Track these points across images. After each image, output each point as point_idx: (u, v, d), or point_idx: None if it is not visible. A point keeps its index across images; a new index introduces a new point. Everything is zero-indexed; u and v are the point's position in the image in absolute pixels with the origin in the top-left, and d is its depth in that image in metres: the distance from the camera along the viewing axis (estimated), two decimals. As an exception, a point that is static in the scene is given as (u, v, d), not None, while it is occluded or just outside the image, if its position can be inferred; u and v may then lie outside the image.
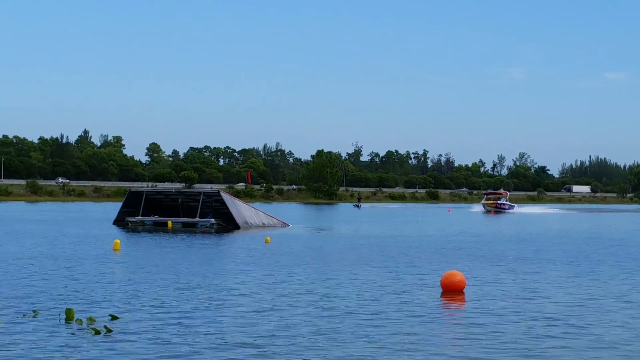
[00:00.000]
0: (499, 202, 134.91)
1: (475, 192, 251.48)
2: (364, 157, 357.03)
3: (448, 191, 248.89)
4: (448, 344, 17.06)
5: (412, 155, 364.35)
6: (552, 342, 17.33)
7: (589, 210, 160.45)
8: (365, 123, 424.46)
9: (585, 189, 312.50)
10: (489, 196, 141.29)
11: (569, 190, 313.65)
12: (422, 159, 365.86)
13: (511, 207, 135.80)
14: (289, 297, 23.36)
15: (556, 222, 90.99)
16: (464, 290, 25.17)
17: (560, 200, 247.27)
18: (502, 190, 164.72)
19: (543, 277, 30.01)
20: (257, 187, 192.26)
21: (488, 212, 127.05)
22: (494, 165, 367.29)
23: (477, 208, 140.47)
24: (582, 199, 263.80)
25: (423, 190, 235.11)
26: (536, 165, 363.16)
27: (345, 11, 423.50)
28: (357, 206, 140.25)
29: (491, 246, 46.24)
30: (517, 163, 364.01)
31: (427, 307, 21.93)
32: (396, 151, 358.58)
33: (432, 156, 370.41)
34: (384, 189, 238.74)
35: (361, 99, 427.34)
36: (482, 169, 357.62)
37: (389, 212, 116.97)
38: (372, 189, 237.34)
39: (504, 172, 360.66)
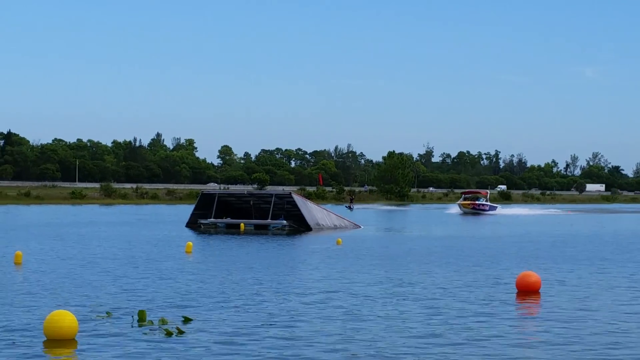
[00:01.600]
0: (477, 202, 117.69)
1: (547, 192, 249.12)
2: (436, 158, 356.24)
3: (520, 192, 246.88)
4: (524, 345, 16.85)
5: (483, 156, 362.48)
6: (627, 350, 17.04)
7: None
8: (437, 124, 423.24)
9: (598, 187, 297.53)
10: (466, 196, 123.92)
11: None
12: (494, 159, 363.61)
13: (492, 208, 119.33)
14: (363, 298, 23.25)
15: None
16: (540, 291, 24.91)
17: (634, 200, 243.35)
18: (481, 190, 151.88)
19: (618, 278, 29.58)
20: (329, 188, 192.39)
21: (465, 214, 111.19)
22: (567, 165, 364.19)
23: (454, 209, 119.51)
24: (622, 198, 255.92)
25: (495, 191, 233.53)
26: (610, 165, 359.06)
27: (415, 12, 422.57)
28: (350, 207, 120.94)
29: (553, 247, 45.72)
30: (591, 163, 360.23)
31: (501, 308, 21.69)
32: (468, 152, 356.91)
33: (504, 156, 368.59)
34: (456, 190, 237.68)
35: (432, 99, 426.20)
36: (554, 169, 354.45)
37: (380, 213, 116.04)
38: (444, 190, 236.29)
39: (577, 172, 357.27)
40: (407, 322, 19.20)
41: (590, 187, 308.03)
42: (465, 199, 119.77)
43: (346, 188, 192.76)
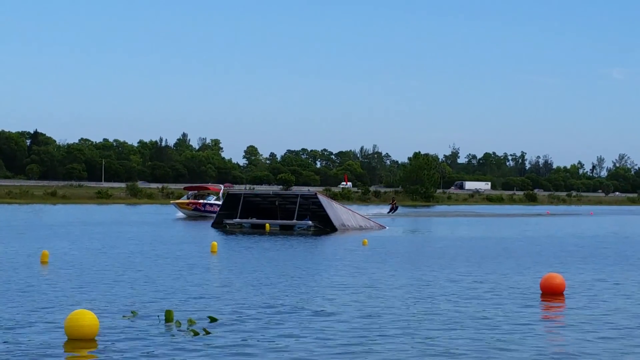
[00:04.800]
0: (201, 202, 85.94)
1: (574, 193, 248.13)
2: (461, 159, 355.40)
3: (546, 193, 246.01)
4: (550, 347, 16.80)
5: (509, 157, 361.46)
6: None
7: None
8: (463, 125, 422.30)
9: (482, 184, 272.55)
10: (191, 193, 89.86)
11: (461, 187, 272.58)
12: (520, 160, 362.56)
13: None
14: (388, 298, 23.24)
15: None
16: (564, 293, 24.83)
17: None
18: (212, 184, 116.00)
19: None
20: (354, 189, 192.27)
21: (189, 216, 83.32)
22: (593, 166, 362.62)
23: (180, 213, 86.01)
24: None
25: (521, 192, 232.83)
26: (636, 167, 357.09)
27: (442, 12, 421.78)
28: (392, 211, 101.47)
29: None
30: (617, 165, 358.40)
31: (526, 310, 21.64)
32: (494, 153, 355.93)
33: (530, 158, 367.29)
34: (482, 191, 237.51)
35: (458, 100, 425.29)
36: (580, 171, 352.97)
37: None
38: (470, 191, 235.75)
39: (604, 173, 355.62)
40: (429, 325, 19.20)
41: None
42: (189, 197, 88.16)
43: (371, 189, 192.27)
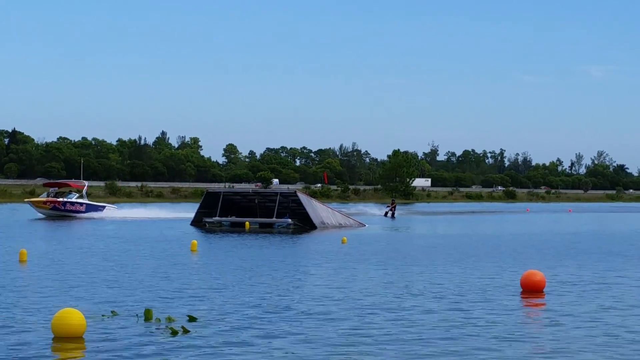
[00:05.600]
0: (61, 200, 76.87)
1: (553, 191, 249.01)
2: (441, 157, 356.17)
3: (526, 190, 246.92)
4: (529, 343, 16.80)
5: (488, 155, 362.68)
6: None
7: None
8: (442, 122, 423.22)
9: (422, 181, 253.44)
10: (52, 190, 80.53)
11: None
12: (499, 157, 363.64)
13: (94, 208, 79.27)
14: (367, 296, 23.22)
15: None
16: (544, 290, 24.86)
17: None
18: (73, 181, 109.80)
19: (623, 275, 29.54)
20: (334, 187, 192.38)
21: (48, 216, 74.70)
22: (572, 164, 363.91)
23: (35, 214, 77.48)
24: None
25: (500, 189, 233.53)
26: (615, 164, 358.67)
27: (421, 10, 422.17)
28: (389, 214, 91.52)
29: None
30: (596, 162, 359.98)
31: (507, 307, 21.65)
32: (473, 150, 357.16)
33: (509, 155, 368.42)
34: (461, 189, 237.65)
35: (437, 98, 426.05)
36: (559, 168, 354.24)
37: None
38: (449, 189, 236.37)
39: (582, 170, 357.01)
40: (410, 323, 19.18)
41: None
42: (49, 195, 78.89)
43: (351, 187, 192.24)
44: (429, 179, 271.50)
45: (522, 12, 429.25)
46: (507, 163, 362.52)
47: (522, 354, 15.91)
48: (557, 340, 17.17)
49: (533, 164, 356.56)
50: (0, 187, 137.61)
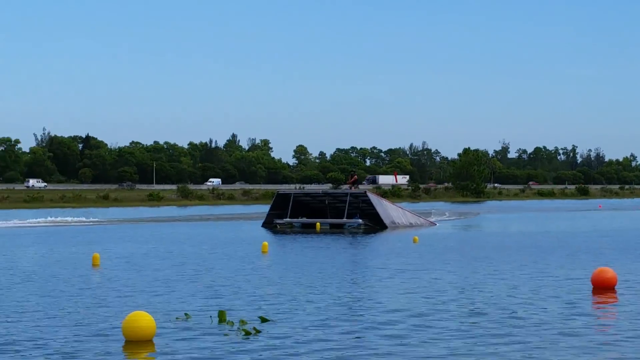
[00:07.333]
0: None
1: (626, 187, 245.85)
2: (512, 154, 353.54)
3: (599, 186, 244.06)
4: (601, 342, 16.71)
5: (560, 151, 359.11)
6: None
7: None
8: (513, 119, 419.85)
9: (400, 179, 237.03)
10: None
11: (373, 181, 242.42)
12: (571, 154, 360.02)
13: None
14: (440, 297, 23.21)
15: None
16: (616, 288, 24.65)
17: None
18: None
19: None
20: (404, 186, 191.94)
21: None
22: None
23: None
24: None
25: (573, 186, 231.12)
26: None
27: (488, 8, 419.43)
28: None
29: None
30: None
31: (578, 305, 21.52)
32: (544, 147, 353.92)
33: (581, 151, 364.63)
34: (533, 186, 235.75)
35: (508, 95, 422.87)
36: (633, 163, 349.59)
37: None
38: (520, 186, 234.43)
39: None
40: (482, 324, 19.16)
41: None
42: None
43: (421, 186, 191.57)
44: (407, 176, 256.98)
45: (590, 8, 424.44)
46: (579, 159, 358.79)
47: (591, 350, 15.84)
48: (628, 339, 17.04)
49: (606, 159, 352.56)
50: (75, 192, 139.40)
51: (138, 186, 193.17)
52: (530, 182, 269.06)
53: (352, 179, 66.40)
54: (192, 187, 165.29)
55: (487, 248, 41.42)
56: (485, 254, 37.80)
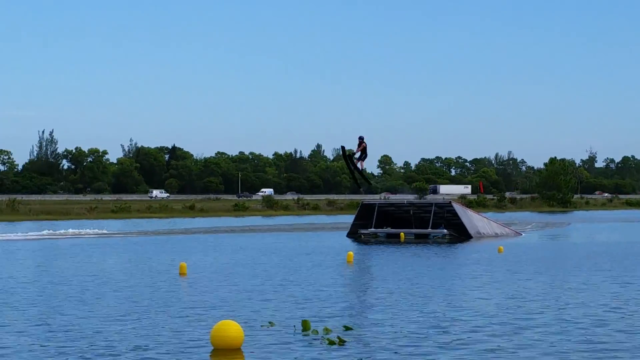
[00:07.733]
0: None
1: None
2: (599, 164, 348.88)
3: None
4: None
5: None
6: None
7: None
8: (600, 128, 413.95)
9: (461, 188, 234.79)
10: None
11: (434, 191, 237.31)
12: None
13: None
14: (526, 307, 23.08)
15: None
16: None
17: None
18: None
19: None
20: (490, 196, 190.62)
21: None
22: None
23: None
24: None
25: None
26: None
27: (571, 18, 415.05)
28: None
29: None
30: None
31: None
32: (633, 156, 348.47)
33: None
34: (621, 196, 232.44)
35: (595, 103, 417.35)
36: None
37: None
38: (609, 196, 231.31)
39: None
40: (568, 335, 19.02)
41: None
42: None
43: (507, 195, 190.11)
44: (469, 186, 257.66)
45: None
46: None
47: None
48: None
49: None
50: (162, 202, 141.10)
51: (223, 196, 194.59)
52: (597, 192, 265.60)
53: (360, 147, 62.39)
54: (277, 197, 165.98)
55: (574, 258, 41.00)
56: (573, 264, 37.44)
